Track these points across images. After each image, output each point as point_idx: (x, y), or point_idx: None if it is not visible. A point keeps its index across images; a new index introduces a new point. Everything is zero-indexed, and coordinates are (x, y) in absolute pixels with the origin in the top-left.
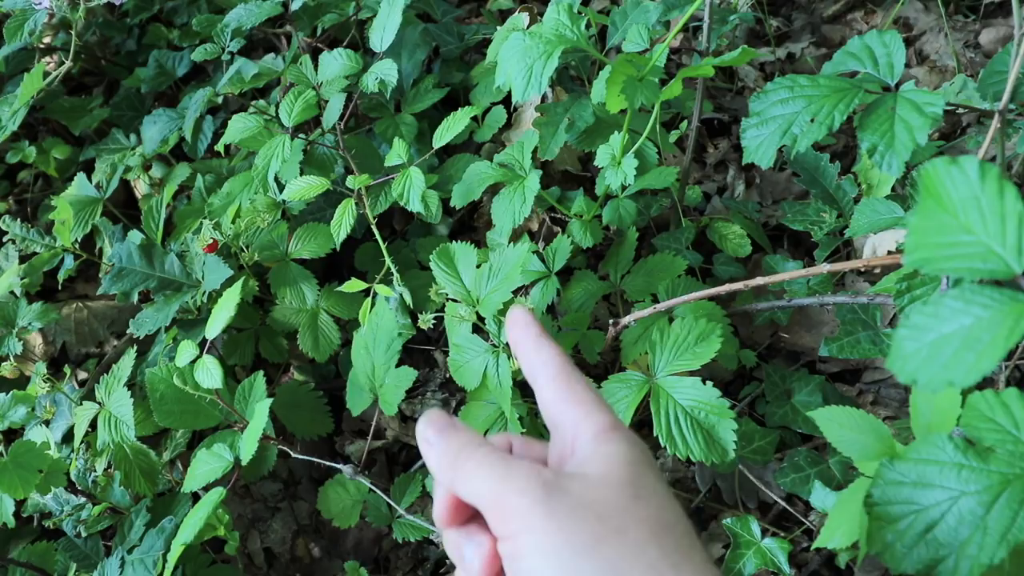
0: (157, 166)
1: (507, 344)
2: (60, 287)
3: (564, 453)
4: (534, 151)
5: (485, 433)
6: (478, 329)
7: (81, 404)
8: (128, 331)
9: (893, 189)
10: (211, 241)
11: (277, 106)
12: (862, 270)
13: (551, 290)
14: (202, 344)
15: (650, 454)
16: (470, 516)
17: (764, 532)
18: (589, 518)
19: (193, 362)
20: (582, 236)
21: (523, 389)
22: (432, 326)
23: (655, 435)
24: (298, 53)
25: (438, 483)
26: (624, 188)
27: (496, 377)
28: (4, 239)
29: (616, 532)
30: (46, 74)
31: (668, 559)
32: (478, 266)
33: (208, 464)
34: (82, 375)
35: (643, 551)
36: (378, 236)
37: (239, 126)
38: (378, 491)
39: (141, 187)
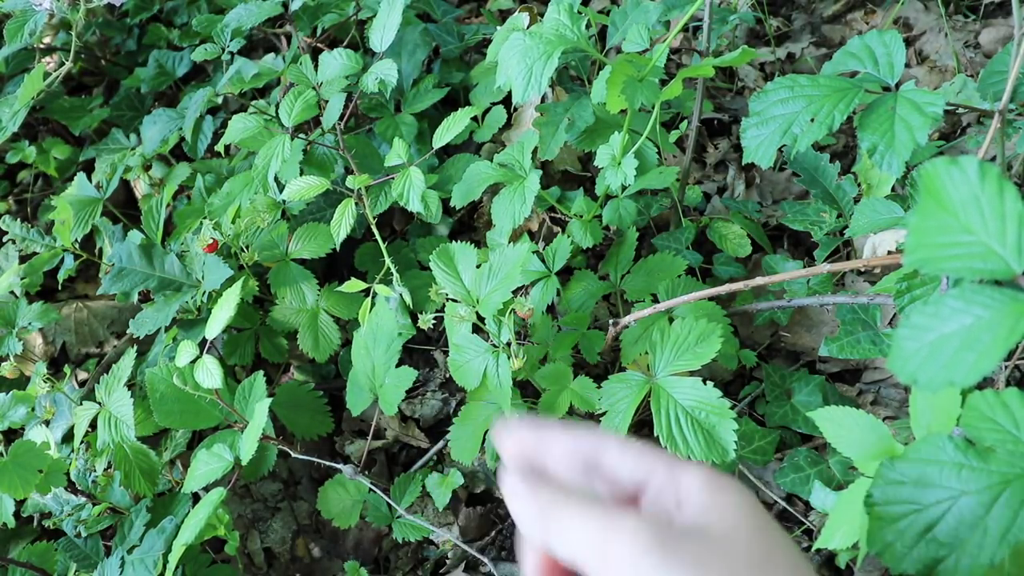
0: (157, 166)
1: (507, 344)
2: (60, 287)
3: (665, 506)
4: (534, 151)
5: (483, 432)
6: (478, 329)
7: (81, 404)
8: (128, 331)
9: (893, 189)
10: (211, 241)
11: (277, 106)
12: (862, 270)
13: (551, 290)
14: (202, 344)
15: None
16: None
17: None
18: (717, 569)
19: (193, 362)
20: (582, 236)
21: (523, 389)
22: (432, 326)
23: (655, 435)
24: (298, 53)
25: (528, 541)
26: (624, 188)
27: (496, 377)
28: (4, 239)
29: None
30: (46, 75)
31: None
32: (478, 266)
33: (208, 464)
34: (82, 375)
35: None
36: (378, 236)
37: (239, 126)
38: (378, 491)
39: (141, 187)
